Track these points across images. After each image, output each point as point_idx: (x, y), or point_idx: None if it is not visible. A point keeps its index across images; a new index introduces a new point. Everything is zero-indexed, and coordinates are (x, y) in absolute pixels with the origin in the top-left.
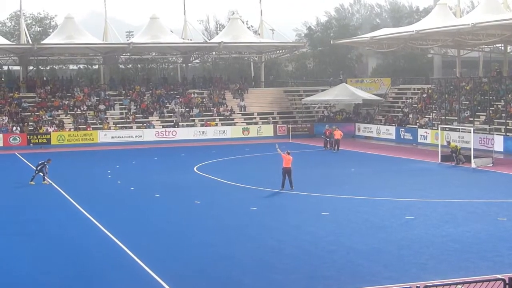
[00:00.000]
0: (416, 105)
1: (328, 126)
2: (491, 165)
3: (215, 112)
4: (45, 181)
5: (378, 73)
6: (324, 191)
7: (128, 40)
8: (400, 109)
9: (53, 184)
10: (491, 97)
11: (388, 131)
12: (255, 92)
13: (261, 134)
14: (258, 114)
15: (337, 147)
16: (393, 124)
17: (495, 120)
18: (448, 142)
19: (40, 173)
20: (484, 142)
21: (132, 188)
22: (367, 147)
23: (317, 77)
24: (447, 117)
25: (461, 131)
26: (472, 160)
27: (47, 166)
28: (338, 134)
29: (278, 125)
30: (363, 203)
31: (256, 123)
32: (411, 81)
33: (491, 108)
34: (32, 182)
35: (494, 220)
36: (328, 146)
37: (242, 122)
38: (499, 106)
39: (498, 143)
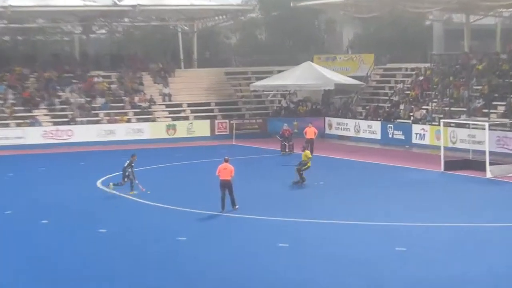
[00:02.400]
0: (409, 92)
1: (286, 125)
2: None
3: (127, 103)
4: (133, 191)
5: (357, 48)
6: (282, 213)
7: (3, 3)
8: (387, 98)
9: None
10: None
11: (371, 128)
12: (185, 75)
13: (192, 133)
14: (189, 105)
15: (310, 150)
16: (378, 119)
17: None
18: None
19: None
20: (504, 143)
21: (8, 212)
22: (341, 151)
23: (271, 53)
24: (452, 108)
25: (472, 128)
26: (487, 168)
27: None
28: (311, 132)
29: (217, 121)
30: (337, 230)
31: (185, 118)
32: (402, 59)
33: None
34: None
35: (480, 255)
36: (287, 150)
37: (166, 117)
38: None
39: None
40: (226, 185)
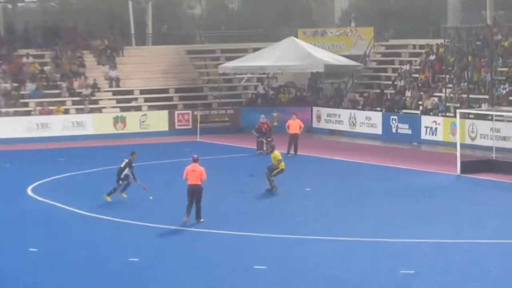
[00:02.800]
0: (417, 75)
1: (264, 117)
2: None
3: (65, 89)
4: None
5: (352, 20)
6: (259, 228)
7: None
8: (390, 83)
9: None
10: None
11: (370, 121)
12: (137, 54)
13: (146, 128)
14: (142, 92)
15: (294, 148)
16: (379, 109)
17: None
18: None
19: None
20: None
21: None
22: (332, 149)
23: (245, 26)
24: (471, 96)
25: (496, 120)
26: None
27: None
28: (295, 126)
29: (177, 112)
30: (327, 247)
31: (138, 108)
32: (408, 33)
33: None
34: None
35: None
36: (265, 148)
37: (113, 107)
38: None
39: None
40: (194, 192)
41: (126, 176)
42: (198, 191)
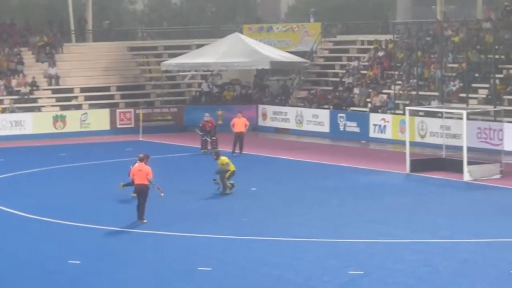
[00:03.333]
0: (366, 72)
1: (208, 115)
2: (498, 176)
3: (2, 87)
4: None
5: (299, 15)
6: (204, 229)
7: None
8: (338, 79)
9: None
10: (497, 56)
11: (317, 119)
12: (77, 51)
13: (87, 126)
14: (82, 90)
15: (239, 147)
16: (326, 106)
17: (504, 97)
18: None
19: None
20: (486, 136)
21: None
22: (279, 148)
23: (189, 22)
24: (421, 93)
25: (446, 117)
26: (465, 169)
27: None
28: (241, 124)
29: (118, 111)
30: (273, 248)
31: (78, 107)
32: (357, 29)
33: (497, 76)
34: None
35: (504, 274)
36: (209, 147)
37: (53, 106)
38: None
39: (510, 137)
40: (141, 191)
41: None
42: (144, 191)
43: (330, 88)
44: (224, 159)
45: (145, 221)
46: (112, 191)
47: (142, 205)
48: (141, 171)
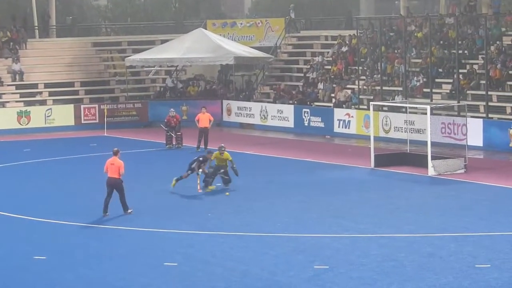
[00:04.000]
0: (330, 67)
1: (173, 110)
2: (462, 171)
3: None
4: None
5: (262, 11)
6: (169, 224)
7: None
8: (302, 75)
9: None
10: (461, 52)
11: (282, 114)
12: (41, 47)
13: (52, 122)
14: (47, 86)
15: (204, 142)
16: (291, 102)
17: (468, 92)
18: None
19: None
20: (450, 131)
21: None
22: (243, 143)
23: (152, 18)
24: (384, 88)
25: (410, 112)
26: (430, 164)
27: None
28: (205, 119)
29: (83, 106)
30: (238, 243)
31: (42, 102)
32: (321, 25)
33: (461, 71)
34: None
35: (469, 268)
36: (174, 143)
37: (17, 102)
38: (475, 67)
39: (474, 132)
40: (113, 185)
41: (193, 168)
42: (117, 185)
43: (295, 83)
44: (217, 154)
45: (129, 210)
46: (77, 187)
47: (121, 199)
48: (113, 165)
